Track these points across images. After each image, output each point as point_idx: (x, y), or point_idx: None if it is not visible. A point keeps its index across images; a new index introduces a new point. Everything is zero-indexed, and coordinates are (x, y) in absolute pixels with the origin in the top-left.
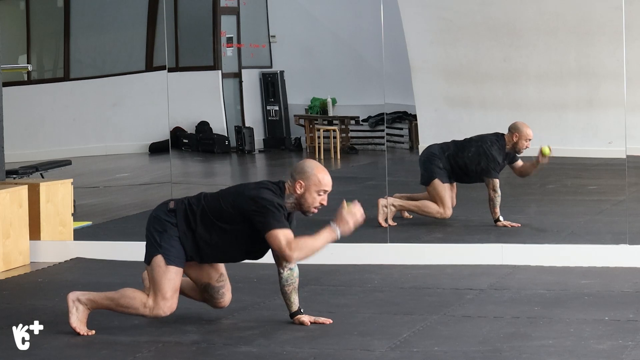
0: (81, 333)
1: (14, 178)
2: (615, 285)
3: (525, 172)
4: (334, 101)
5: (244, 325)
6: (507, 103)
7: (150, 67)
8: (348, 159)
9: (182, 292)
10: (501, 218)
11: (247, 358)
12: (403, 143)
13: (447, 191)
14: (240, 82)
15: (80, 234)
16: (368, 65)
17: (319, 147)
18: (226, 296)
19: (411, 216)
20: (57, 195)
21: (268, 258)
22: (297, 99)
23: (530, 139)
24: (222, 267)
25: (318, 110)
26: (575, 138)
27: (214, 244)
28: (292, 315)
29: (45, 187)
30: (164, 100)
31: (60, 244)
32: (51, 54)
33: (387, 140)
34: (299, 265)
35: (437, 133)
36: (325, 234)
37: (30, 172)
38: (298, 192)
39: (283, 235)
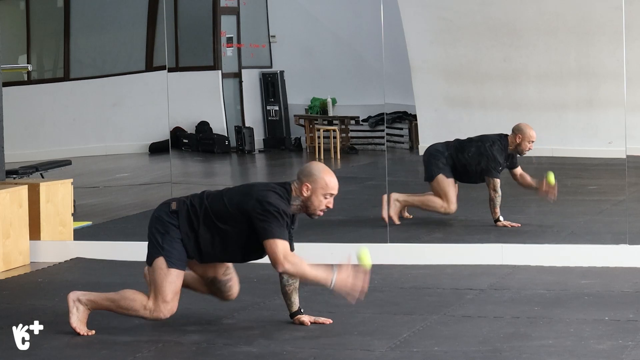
0: (81, 333)
1: (14, 178)
2: (615, 285)
3: (524, 184)
4: (334, 101)
5: (244, 325)
6: (507, 103)
7: (150, 67)
8: (348, 159)
9: (190, 286)
10: (501, 218)
11: (247, 358)
12: (403, 143)
13: (451, 186)
14: (240, 82)
15: (80, 234)
16: (368, 65)
17: (319, 147)
18: (234, 289)
19: (411, 216)
20: (57, 195)
21: (268, 258)
22: (297, 99)
23: (533, 141)
24: None
25: (318, 110)
26: (575, 138)
27: (216, 245)
28: (292, 315)
29: (45, 187)
30: (164, 100)
31: (60, 244)
32: (51, 54)
33: (387, 140)
34: None
35: (437, 133)
36: (322, 273)
37: (30, 172)
38: (304, 194)
39: (282, 245)
